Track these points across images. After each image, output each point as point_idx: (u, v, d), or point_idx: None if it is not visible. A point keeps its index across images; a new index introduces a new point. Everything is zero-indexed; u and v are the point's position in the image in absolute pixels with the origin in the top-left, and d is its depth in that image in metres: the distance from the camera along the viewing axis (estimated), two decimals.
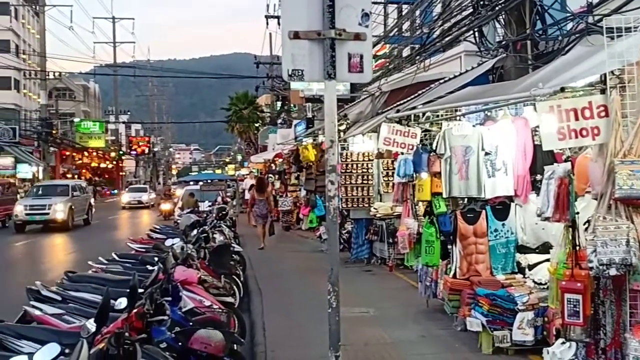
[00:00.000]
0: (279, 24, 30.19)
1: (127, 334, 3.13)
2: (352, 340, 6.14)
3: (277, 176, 25.30)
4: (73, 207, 22.30)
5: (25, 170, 40.99)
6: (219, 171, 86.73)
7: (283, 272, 11.40)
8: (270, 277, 10.53)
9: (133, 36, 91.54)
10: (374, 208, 11.10)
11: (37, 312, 5.18)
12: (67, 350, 3.36)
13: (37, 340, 4.23)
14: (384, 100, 12.07)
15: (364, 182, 11.75)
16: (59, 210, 21.24)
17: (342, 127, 13.29)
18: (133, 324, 3.54)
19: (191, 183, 30.07)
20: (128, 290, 3.62)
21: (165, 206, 26.48)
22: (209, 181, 29.84)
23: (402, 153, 8.15)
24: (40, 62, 42.66)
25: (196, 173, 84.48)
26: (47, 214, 20.94)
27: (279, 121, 36.72)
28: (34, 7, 50.67)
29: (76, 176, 54.97)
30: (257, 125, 43.74)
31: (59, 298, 5.68)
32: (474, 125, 6.95)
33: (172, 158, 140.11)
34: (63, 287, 6.11)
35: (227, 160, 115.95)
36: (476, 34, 9.84)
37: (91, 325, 3.54)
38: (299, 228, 18.59)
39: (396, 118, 7.59)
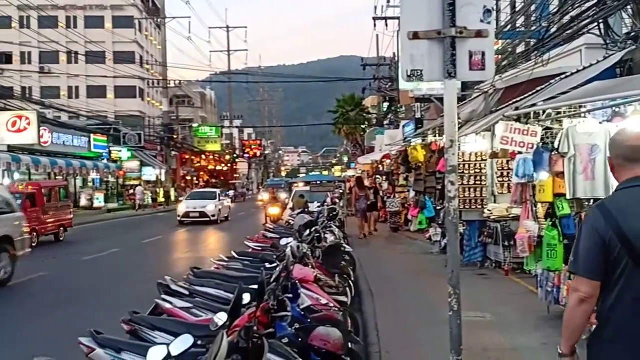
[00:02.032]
0: (386, 25, 30.17)
1: (255, 327, 3.26)
2: (469, 344, 5.96)
3: (384, 177, 25.22)
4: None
5: (150, 173, 44.11)
6: (325, 172, 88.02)
7: (393, 274, 11.35)
8: (381, 278, 10.52)
9: (245, 44, 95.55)
10: (488, 209, 10.74)
11: (167, 305, 5.55)
12: (199, 342, 3.59)
13: (169, 332, 4.53)
14: (497, 98, 11.61)
15: (477, 182, 11.41)
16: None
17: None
18: (259, 318, 3.68)
19: (289, 184, 31.79)
20: (255, 286, 3.77)
21: (273, 210, 24.56)
22: (318, 182, 30.25)
23: (521, 152, 7.82)
24: (162, 71, 45.65)
25: (304, 174, 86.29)
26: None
27: (386, 122, 36.64)
28: (155, 19, 54.35)
29: (194, 178, 58.29)
30: (363, 126, 43.90)
31: (186, 292, 6.04)
32: (600, 122, 6.53)
33: (281, 160, 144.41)
34: (189, 282, 6.50)
35: (334, 161, 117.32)
36: (600, 25, 9.23)
37: (218, 318, 3.75)
38: (407, 229, 18.42)
39: (514, 116, 7.30)
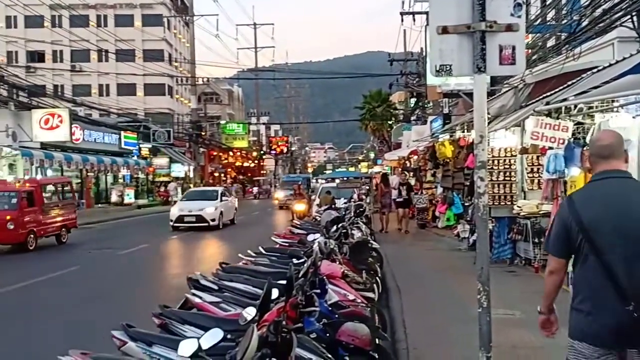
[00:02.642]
0: (413, 20, 29.96)
1: (284, 322, 3.29)
2: (499, 342, 5.89)
3: (412, 173, 25.09)
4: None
5: (179, 170, 44.69)
6: (352, 169, 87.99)
7: (421, 271, 11.29)
8: (408, 275, 10.48)
9: (273, 41, 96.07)
10: (518, 206, 10.61)
11: (197, 300, 5.63)
12: (228, 336, 3.63)
13: (199, 326, 4.59)
14: (528, 93, 11.44)
15: (506, 178, 11.27)
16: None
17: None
18: (287, 313, 3.71)
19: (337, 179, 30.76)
20: (284, 282, 3.80)
21: (299, 207, 24.57)
22: (344, 179, 30.18)
23: (552, 148, 7.70)
24: (191, 69, 46.12)
25: (330, 171, 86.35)
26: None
27: (413, 118, 36.38)
28: (184, 17, 54.93)
29: (222, 175, 58.78)
30: (390, 122, 43.68)
31: (216, 287, 6.11)
32: (634, 117, 6.39)
33: (307, 157, 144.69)
34: (218, 277, 6.58)
35: (360, 158, 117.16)
36: (634, 18, 9.01)
37: (247, 313, 3.78)
38: (435, 226, 18.29)
39: (545, 111, 7.19)
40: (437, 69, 3.59)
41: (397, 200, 18.36)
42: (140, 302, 9.02)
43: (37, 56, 55.56)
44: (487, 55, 3.54)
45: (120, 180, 37.56)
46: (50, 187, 19.08)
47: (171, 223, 21.54)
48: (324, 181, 30.06)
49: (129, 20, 57.82)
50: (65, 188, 19.72)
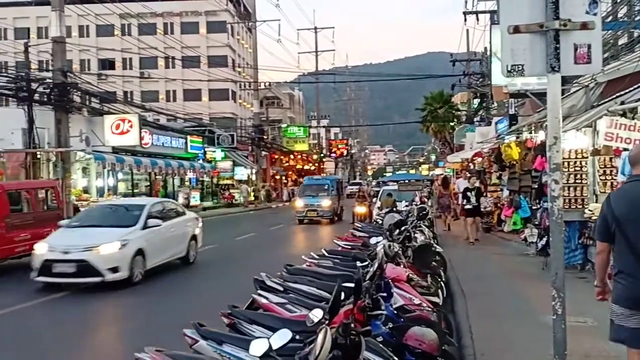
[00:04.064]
0: (477, 19, 29.36)
1: (352, 325, 3.30)
2: (571, 350, 5.66)
3: (475, 176, 24.56)
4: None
5: (242, 173, 45.64)
6: (412, 171, 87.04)
7: (486, 275, 11.03)
8: (473, 280, 10.26)
9: (333, 44, 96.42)
10: (589, 210, 10.19)
11: (264, 300, 5.72)
12: (297, 337, 3.68)
13: (266, 326, 4.67)
14: (599, 92, 11.00)
15: (577, 181, 10.85)
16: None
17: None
18: (355, 316, 3.72)
19: (389, 183, 29.73)
20: (349, 284, 3.81)
21: (361, 209, 24.29)
22: (406, 181, 29.90)
23: (627, 149, 7.36)
24: (253, 74, 46.99)
25: (390, 174, 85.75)
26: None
27: (476, 119, 35.63)
28: (247, 23, 56.07)
29: (283, 177, 59.50)
30: (452, 124, 42.96)
31: (281, 288, 6.19)
32: None
33: (367, 159, 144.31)
34: (283, 279, 6.66)
35: (421, 160, 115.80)
36: None
37: (314, 315, 3.81)
38: (501, 230, 17.81)
39: (620, 111, 6.88)
40: (509, 69, 3.51)
41: (466, 207, 16.30)
42: (207, 301, 9.25)
43: (108, 64, 58.19)
44: (562, 55, 3.43)
45: (187, 183, 38.68)
46: (24, 195, 14.49)
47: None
48: (384, 184, 29.65)
49: (195, 27, 59.61)
50: (51, 195, 15.34)
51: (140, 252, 11.55)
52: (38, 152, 23.29)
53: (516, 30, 3.44)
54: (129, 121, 27.90)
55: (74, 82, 24.44)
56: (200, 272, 13.26)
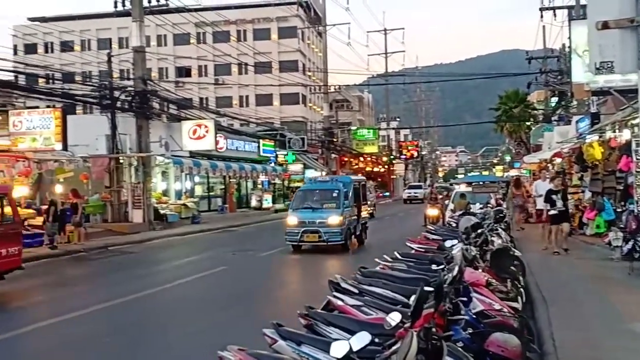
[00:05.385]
0: (554, 15, 28.30)
1: (433, 329, 3.27)
2: None
3: (561, 177, 23.56)
4: None
5: (312, 176, 46.04)
6: (485, 173, 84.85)
7: (568, 280, 10.58)
8: (554, 285, 9.87)
9: (403, 45, 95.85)
10: None
11: (339, 302, 5.74)
12: (375, 340, 3.68)
13: (343, 328, 4.69)
14: None
15: None
16: None
17: (638, 121, 11.78)
18: (436, 320, 3.68)
19: (460, 185, 28.85)
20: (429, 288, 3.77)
21: (432, 211, 23.60)
22: (480, 183, 29.17)
23: None
24: (323, 78, 47.40)
25: (462, 175, 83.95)
26: None
27: (554, 118, 34.27)
28: (317, 28, 56.62)
29: None
30: (528, 123, 41.53)
31: (356, 291, 6.18)
32: None
33: (438, 161, 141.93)
34: (357, 281, 6.66)
35: (495, 161, 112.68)
36: None
37: (391, 319, 3.80)
38: (582, 233, 17.02)
39: None
40: (597, 66, 3.38)
41: (551, 212, 13.67)
42: (283, 302, 9.41)
43: (184, 71, 60.41)
44: None
45: (259, 186, 39.50)
46: None
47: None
48: (458, 186, 28.94)
49: (266, 33, 60.85)
50: (3, 201, 11.14)
51: None
52: (121, 157, 24.51)
53: (605, 26, 3.31)
54: (205, 126, 28.82)
55: (154, 89, 25.51)
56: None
